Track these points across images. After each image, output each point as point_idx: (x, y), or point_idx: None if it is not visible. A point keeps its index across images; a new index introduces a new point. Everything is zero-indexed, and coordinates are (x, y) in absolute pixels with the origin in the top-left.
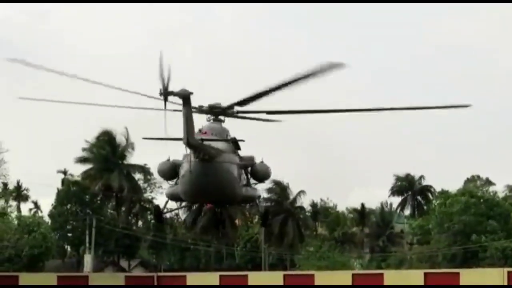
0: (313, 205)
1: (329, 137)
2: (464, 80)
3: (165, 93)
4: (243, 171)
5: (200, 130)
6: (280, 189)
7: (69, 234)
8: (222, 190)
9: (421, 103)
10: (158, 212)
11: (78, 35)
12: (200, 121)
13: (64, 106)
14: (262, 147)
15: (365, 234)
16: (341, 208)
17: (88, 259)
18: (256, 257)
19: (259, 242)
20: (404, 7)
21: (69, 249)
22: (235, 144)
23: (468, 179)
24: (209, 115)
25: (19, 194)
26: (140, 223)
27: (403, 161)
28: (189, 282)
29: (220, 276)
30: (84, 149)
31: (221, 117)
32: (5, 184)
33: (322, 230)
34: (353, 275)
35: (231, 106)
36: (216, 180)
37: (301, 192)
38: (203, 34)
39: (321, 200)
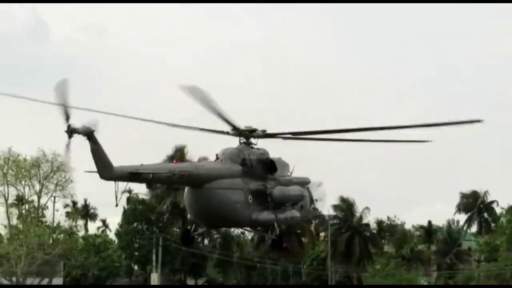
0: (379, 222)
1: (394, 153)
2: None
3: (68, 131)
4: (263, 195)
5: (216, 155)
6: (346, 206)
7: (136, 253)
8: (214, 215)
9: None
10: (186, 234)
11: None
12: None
13: (129, 125)
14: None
15: (432, 252)
16: (407, 225)
17: (155, 277)
18: (323, 275)
19: (326, 260)
20: None
21: (136, 267)
22: (269, 166)
23: None
24: (241, 138)
25: (87, 213)
26: (206, 241)
27: (468, 177)
28: None
29: None
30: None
31: (253, 140)
32: (74, 203)
33: (388, 247)
34: None
35: (255, 130)
36: (205, 206)
37: (366, 209)
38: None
39: (388, 218)
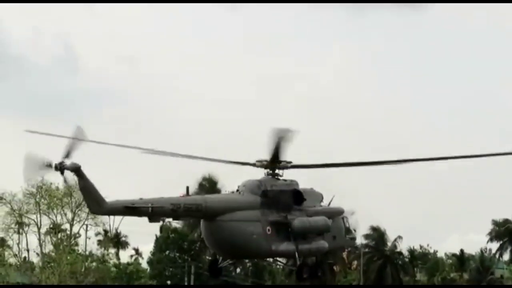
0: (411, 250)
1: (423, 182)
2: None
3: (59, 168)
4: (283, 226)
5: (238, 187)
6: (378, 234)
7: (168, 281)
8: (228, 247)
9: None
10: (213, 265)
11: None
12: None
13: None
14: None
15: (465, 280)
16: (440, 253)
17: None
18: None
19: None
20: None
21: None
22: (294, 197)
23: None
24: (267, 170)
25: (118, 241)
26: (238, 269)
27: (500, 205)
28: None
29: None
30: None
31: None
32: (105, 231)
33: (420, 275)
34: None
35: (281, 162)
36: (218, 238)
37: (399, 237)
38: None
39: (420, 246)
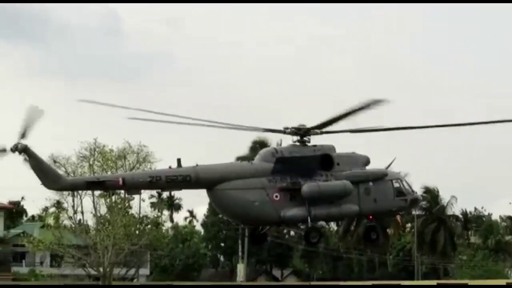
0: (464, 213)
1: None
2: None
3: (14, 150)
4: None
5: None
6: (431, 196)
7: (222, 244)
8: (232, 215)
9: None
10: (253, 231)
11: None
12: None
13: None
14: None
15: None
16: (494, 216)
17: (241, 268)
18: (409, 266)
19: (412, 251)
20: None
21: (222, 258)
22: (320, 162)
23: None
24: (294, 136)
25: (172, 204)
26: (292, 232)
27: None
28: None
29: (373, 285)
30: (238, 158)
31: (306, 138)
32: (159, 194)
33: (475, 238)
34: (507, 284)
35: (309, 129)
36: (220, 206)
37: (453, 198)
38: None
39: (475, 208)
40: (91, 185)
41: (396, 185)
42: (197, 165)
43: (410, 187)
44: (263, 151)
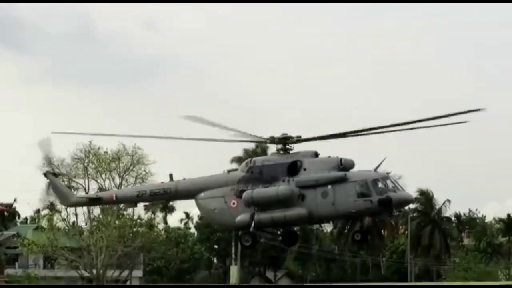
0: (457, 215)
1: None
2: None
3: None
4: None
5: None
6: (426, 199)
7: (216, 246)
8: (208, 221)
9: None
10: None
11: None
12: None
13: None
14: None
15: None
16: (488, 218)
17: (234, 270)
18: (402, 268)
19: (405, 253)
20: None
21: (215, 260)
22: (287, 169)
23: None
24: (278, 145)
25: (166, 205)
26: None
27: None
28: None
29: (366, 285)
30: (232, 160)
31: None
32: None
33: (468, 240)
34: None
35: (289, 137)
36: (200, 212)
37: (447, 201)
38: None
39: (469, 210)
40: (92, 201)
41: (360, 187)
42: (184, 178)
43: (398, 187)
44: (245, 161)
